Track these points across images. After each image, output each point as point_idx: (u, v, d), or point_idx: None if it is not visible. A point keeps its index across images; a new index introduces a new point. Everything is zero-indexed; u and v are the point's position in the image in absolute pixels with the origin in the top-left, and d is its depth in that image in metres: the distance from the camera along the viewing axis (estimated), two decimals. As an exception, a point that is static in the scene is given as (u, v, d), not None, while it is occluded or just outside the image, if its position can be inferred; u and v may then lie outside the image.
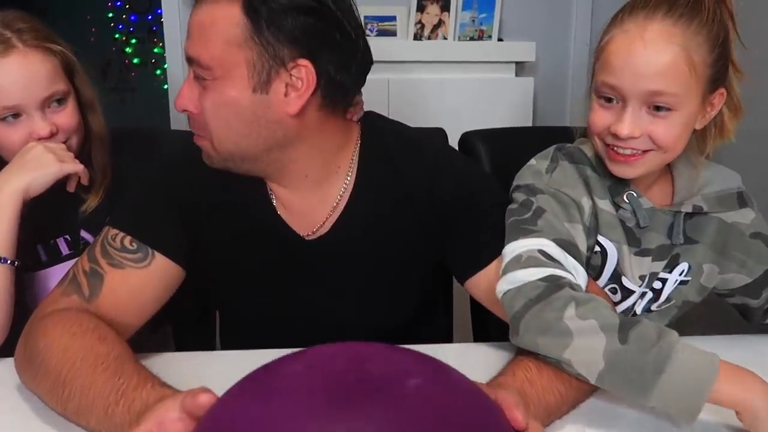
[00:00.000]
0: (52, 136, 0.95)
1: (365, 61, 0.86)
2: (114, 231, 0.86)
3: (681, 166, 0.90)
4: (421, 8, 2.09)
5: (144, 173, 0.93)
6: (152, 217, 0.87)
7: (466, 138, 1.19)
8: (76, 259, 1.02)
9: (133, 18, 4.01)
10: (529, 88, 2.11)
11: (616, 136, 0.80)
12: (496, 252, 0.82)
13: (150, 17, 3.99)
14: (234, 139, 0.82)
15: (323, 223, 0.89)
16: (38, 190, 0.91)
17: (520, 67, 2.17)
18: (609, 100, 0.82)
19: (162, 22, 3.73)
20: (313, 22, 0.78)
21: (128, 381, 0.66)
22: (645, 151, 0.81)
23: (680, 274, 0.90)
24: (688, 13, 0.78)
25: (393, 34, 2.12)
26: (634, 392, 0.67)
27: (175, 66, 2.42)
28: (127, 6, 4.01)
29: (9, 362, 0.82)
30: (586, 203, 0.85)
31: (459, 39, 2.11)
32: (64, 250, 1.03)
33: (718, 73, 0.80)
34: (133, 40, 4.02)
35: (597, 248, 0.88)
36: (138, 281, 0.84)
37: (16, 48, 0.91)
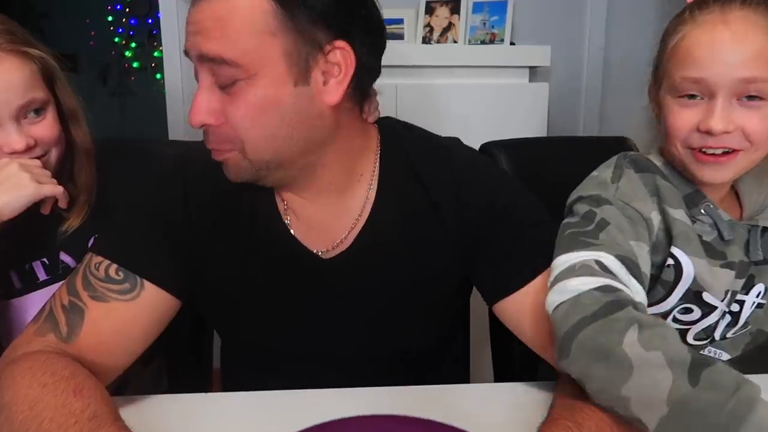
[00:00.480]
0: (28, 150, 0.85)
1: (383, 46, 0.77)
2: (98, 259, 0.76)
3: (748, 177, 0.82)
4: (429, 11, 2.01)
5: (132, 192, 0.82)
6: (141, 241, 0.77)
7: (485, 149, 1.09)
8: (55, 284, 0.93)
9: (132, 22, 3.94)
10: (544, 93, 2.02)
11: (708, 133, 0.73)
12: (529, 276, 0.74)
13: (150, 21, 3.91)
14: (274, 146, 0.72)
15: (343, 240, 0.80)
16: (11, 214, 0.81)
17: (534, 72, 2.08)
18: (692, 97, 0.75)
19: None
20: None
21: None
22: (735, 151, 0.74)
23: (757, 296, 0.81)
24: (764, 2, 0.73)
25: (400, 37, 2.04)
26: None
27: (172, 72, 2.34)
28: (127, 10, 3.94)
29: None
30: (655, 218, 0.77)
31: (470, 43, 2.03)
32: (42, 275, 0.93)
33: None
34: (133, 44, 3.95)
35: (671, 261, 0.78)
36: (125, 316, 0.74)
37: None
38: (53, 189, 0.85)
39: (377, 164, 0.81)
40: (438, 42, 2.02)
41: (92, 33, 3.93)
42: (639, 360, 0.58)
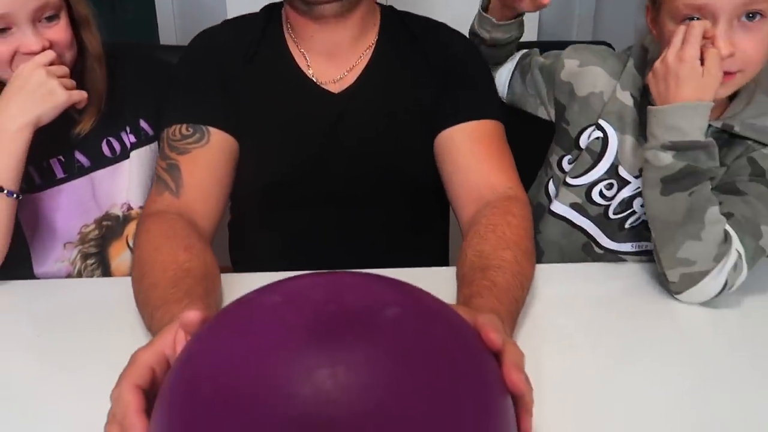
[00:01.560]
0: (44, 51, 0.89)
1: None
2: (170, 128, 0.92)
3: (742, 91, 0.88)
4: None
5: (183, 53, 0.99)
6: (197, 95, 0.94)
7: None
8: (72, 181, 0.99)
9: None
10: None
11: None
12: (463, 119, 0.93)
13: None
14: None
15: (348, 75, 0.97)
16: (47, 120, 0.88)
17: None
18: (691, 18, 0.79)
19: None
20: None
21: (177, 293, 0.68)
22: (734, 73, 0.80)
23: None
24: None
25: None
26: None
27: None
28: None
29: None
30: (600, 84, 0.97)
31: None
32: (59, 172, 0.99)
33: None
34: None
35: (599, 133, 0.93)
36: (206, 159, 0.91)
37: None
38: (80, 95, 0.90)
39: (379, 21, 1.00)
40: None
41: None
42: None
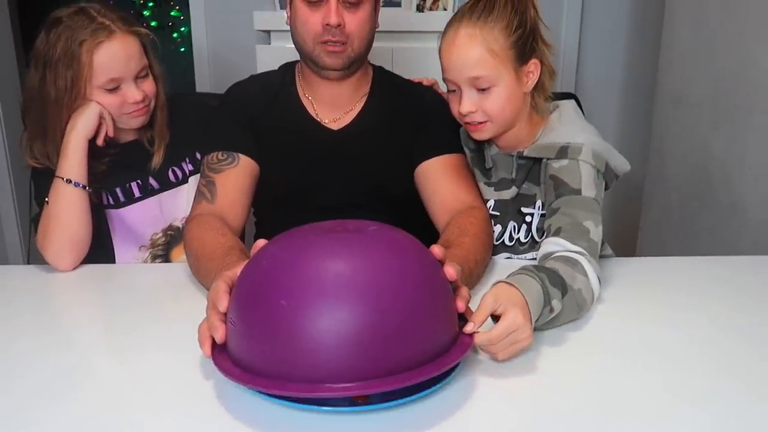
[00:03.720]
0: (143, 100, 1.22)
1: None
2: (210, 154, 1.23)
3: (523, 122, 1.14)
4: (423, -18, 2.29)
5: (220, 100, 1.31)
6: (231, 130, 1.25)
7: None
8: (146, 199, 1.30)
9: (150, -18, 4.19)
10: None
11: (461, 114, 1.10)
12: (435, 154, 1.24)
13: (167, -19, 4.17)
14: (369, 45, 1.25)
15: (345, 117, 1.27)
16: (91, 132, 1.20)
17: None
18: (453, 91, 1.11)
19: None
20: None
21: (231, 258, 0.98)
22: (483, 122, 1.10)
23: (538, 209, 1.17)
24: (484, 15, 1.06)
25: (398, 5, 2.34)
26: None
27: (198, 29, 2.63)
28: (144, -30, 4.18)
29: (90, 268, 1.18)
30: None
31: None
32: (137, 193, 1.30)
33: (523, 50, 1.07)
34: (150, 3, 4.21)
35: None
36: (235, 176, 1.21)
37: (116, 33, 1.17)
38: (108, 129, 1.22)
39: (371, 78, 1.30)
40: (430, 9, 2.30)
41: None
42: None
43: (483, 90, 1.07)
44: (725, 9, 1.65)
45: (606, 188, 1.13)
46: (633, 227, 2.17)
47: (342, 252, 0.72)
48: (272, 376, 0.69)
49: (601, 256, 1.10)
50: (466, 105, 1.08)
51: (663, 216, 1.96)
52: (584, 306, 0.94)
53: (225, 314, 0.75)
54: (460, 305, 0.78)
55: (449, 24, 1.10)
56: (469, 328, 0.77)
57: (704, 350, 0.88)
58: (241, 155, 1.22)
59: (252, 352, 0.71)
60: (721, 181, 1.68)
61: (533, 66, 1.09)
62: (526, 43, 1.07)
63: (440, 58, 1.10)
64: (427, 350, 0.71)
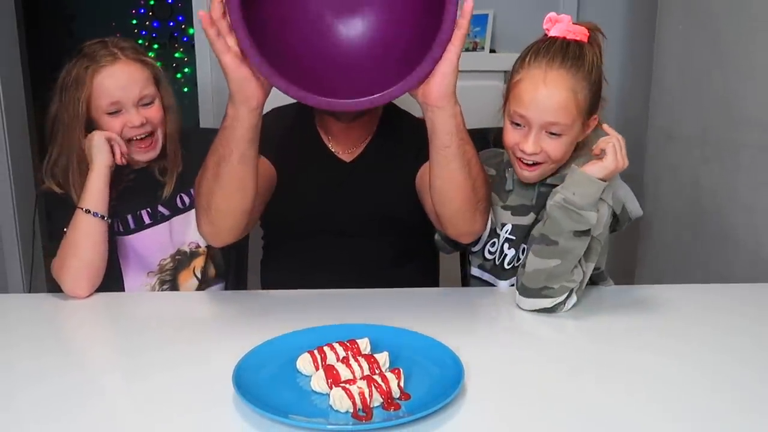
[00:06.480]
0: (142, 125, 1.26)
1: None
2: None
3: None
4: (422, 24, 2.38)
5: None
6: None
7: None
8: (155, 226, 1.34)
9: (155, 24, 4.31)
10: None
11: (523, 151, 1.11)
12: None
13: (171, 24, 4.29)
14: None
15: (356, 149, 1.34)
16: (111, 164, 1.24)
17: (508, 76, 2.46)
18: (518, 124, 1.11)
19: (183, 28, 4.04)
20: None
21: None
22: (540, 163, 1.12)
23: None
24: (576, 64, 1.07)
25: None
26: None
27: (203, 69, 2.69)
28: (150, 13, 4.30)
29: (104, 296, 1.19)
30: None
31: (455, 50, 2.40)
32: (147, 219, 1.34)
33: (594, 104, 1.11)
34: (155, 45, 4.31)
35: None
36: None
37: (120, 59, 1.24)
38: (118, 158, 1.26)
39: (381, 115, 1.36)
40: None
41: (117, 34, 4.24)
42: None
43: (551, 135, 1.09)
44: (712, 46, 1.72)
45: (617, 229, 1.17)
46: (632, 259, 2.20)
47: None
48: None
49: (601, 286, 1.17)
50: (533, 146, 1.09)
51: (660, 247, 2.00)
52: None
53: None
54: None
55: (532, 61, 1.09)
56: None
57: (705, 374, 0.90)
58: (263, 157, 1.24)
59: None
60: (713, 214, 1.73)
61: (593, 121, 1.13)
62: (597, 98, 1.11)
63: (516, 92, 1.10)
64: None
